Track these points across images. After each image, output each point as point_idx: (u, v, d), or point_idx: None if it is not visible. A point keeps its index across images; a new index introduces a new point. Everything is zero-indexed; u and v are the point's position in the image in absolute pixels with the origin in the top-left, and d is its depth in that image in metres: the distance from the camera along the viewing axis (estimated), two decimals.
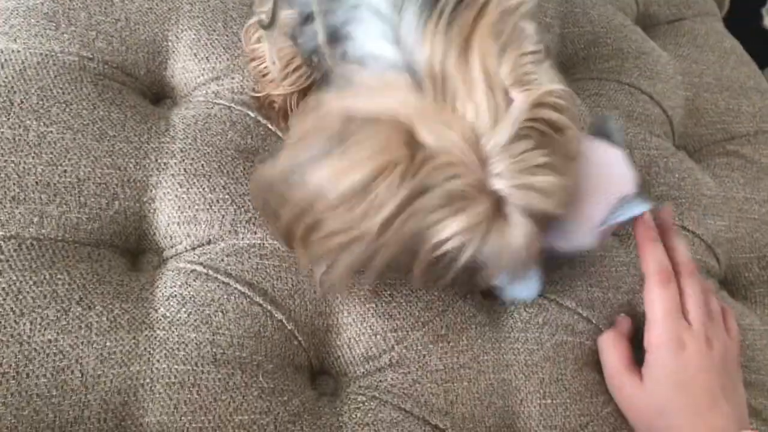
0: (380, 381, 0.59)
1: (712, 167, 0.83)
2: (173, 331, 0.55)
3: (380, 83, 0.46)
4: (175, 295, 0.57)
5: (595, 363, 0.65)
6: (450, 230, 0.44)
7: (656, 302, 0.60)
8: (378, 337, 0.60)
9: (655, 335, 0.59)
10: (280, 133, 0.66)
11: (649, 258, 0.61)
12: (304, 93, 0.63)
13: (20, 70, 0.61)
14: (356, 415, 0.57)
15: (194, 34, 0.69)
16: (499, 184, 0.44)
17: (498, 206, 0.45)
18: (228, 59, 0.68)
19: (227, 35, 0.69)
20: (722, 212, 0.78)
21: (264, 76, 0.65)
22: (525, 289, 0.61)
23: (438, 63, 0.44)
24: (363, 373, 0.60)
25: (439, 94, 0.44)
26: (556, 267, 0.64)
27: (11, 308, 0.52)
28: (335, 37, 0.50)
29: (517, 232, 0.46)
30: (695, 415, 0.57)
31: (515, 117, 0.43)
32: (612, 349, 0.63)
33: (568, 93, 0.47)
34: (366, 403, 0.57)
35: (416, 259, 0.47)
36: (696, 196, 0.77)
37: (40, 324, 0.52)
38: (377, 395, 0.58)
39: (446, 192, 0.44)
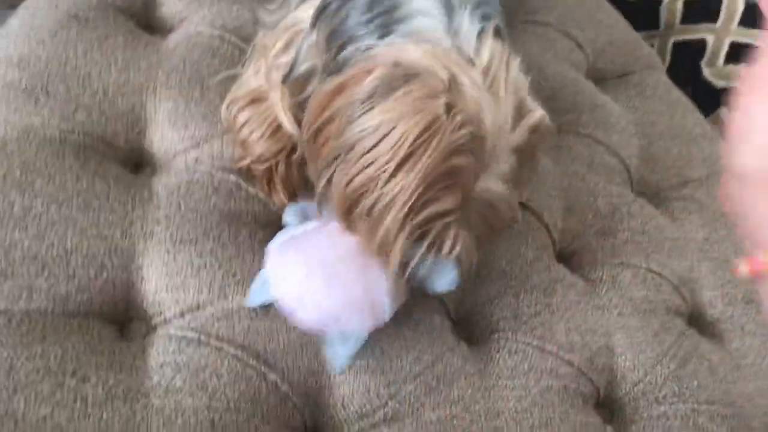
0: None
1: (671, 211, 0.87)
2: (169, 399, 0.55)
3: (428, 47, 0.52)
4: (169, 363, 0.57)
5: (581, 405, 0.66)
6: None
7: None
8: (371, 393, 0.60)
9: None
10: (261, 195, 0.68)
11: None
12: (287, 158, 0.65)
13: (1, 145, 0.61)
14: None
15: (172, 104, 0.70)
16: None
17: None
18: (207, 127, 0.70)
19: (204, 104, 0.71)
20: (685, 253, 0.81)
21: (244, 142, 0.66)
22: (443, 279, 0.58)
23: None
24: (358, 430, 0.60)
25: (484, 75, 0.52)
26: None
27: (4, 385, 0.51)
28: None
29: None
30: None
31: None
32: None
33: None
34: None
35: None
36: (659, 240, 0.81)
37: (34, 400, 0.51)
38: None
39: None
